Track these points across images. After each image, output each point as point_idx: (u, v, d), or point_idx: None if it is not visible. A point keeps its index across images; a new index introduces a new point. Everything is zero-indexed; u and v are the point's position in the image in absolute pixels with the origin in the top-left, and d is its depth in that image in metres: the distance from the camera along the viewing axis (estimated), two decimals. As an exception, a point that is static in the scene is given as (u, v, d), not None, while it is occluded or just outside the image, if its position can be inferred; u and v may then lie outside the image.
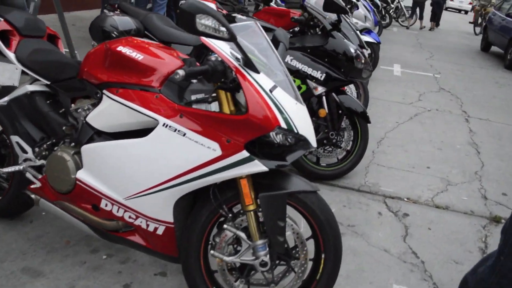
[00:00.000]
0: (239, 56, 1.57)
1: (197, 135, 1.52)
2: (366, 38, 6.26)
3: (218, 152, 1.51)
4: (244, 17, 3.34)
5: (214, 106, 1.60)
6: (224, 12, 4.19)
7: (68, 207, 1.91)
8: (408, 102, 5.59)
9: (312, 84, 2.87)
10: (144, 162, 1.62)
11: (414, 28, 14.11)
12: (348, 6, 6.03)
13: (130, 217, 1.73)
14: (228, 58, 1.50)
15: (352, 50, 2.83)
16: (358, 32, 3.05)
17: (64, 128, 1.92)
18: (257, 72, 1.54)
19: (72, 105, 1.93)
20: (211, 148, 1.52)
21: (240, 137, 1.51)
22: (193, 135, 1.53)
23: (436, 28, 14.61)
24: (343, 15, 3.04)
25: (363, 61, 2.88)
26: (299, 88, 2.89)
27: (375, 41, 6.31)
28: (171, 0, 5.96)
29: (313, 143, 1.62)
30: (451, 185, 3.33)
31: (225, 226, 1.66)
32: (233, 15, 3.60)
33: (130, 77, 1.65)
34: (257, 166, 1.53)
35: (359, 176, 3.29)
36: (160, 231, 1.72)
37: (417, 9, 14.12)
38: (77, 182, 1.79)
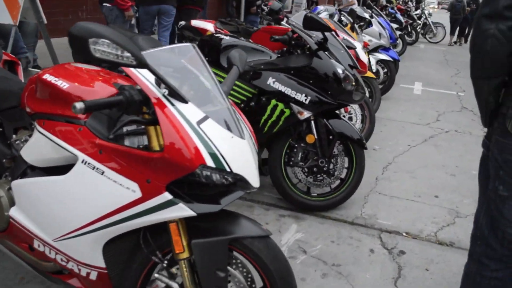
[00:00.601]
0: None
1: (116, 174, 1.34)
2: (380, 56, 6.01)
3: (138, 193, 1.32)
4: (242, 39, 3.17)
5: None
6: (225, 32, 4.07)
7: (8, 244, 1.77)
8: (424, 122, 5.25)
9: (296, 108, 2.65)
10: (68, 201, 1.45)
11: (442, 44, 13.63)
12: (361, 23, 5.82)
13: (62, 260, 1.57)
14: (148, 86, 1.32)
15: (340, 71, 2.60)
16: (348, 51, 2.82)
17: (4, 160, 1.79)
18: (185, 101, 1.35)
19: (14, 135, 1.81)
20: (130, 189, 1.33)
21: (161, 177, 1.31)
22: (112, 174, 1.34)
23: (464, 44, 14.05)
24: (332, 33, 2.82)
25: (353, 82, 2.64)
26: (282, 112, 2.68)
27: (391, 59, 6.04)
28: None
29: (254, 182, 1.41)
30: (459, 217, 2.99)
31: (156, 275, 1.46)
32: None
33: (56, 108, 1.50)
34: (183, 211, 1.33)
35: (355, 207, 3.02)
36: (93, 276, 1.54)
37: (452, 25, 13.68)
38: (11, 219, 1.64)
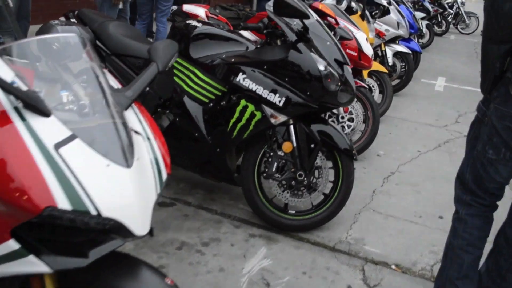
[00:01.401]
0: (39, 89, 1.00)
1: None
2: (398, 47, 5.46)
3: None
4: (219, 27, 2.72)
5: None
6: (219, 18, 3.64)
7: None
8: (441, 124, 4.70)
9: (268, 110, 2.21)
10: None
11: (475, 35, 12.73)
12: (376, 11, 5.26)
13: None
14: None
15: (321, 67, 2.14)
16: (338, 43, 2.34)
17: None
18: (45, 115, 0.96)
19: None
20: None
21: (1, 221, 0.94)
22: None
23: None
24: (320, 21, 2.36)
25: (338, 81, 2.18)
26: (252, 115, 2.25)
27: (409, 51, 5.48)
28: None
29: (138, 229, 1.00)
30: (465, 247, 2.51)
31: None
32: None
33: None
34: (34, 266, 0.95)
35: (341, 228, 2.57)
36: None
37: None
38: None
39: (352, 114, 3.48)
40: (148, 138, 1.19)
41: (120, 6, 4.22)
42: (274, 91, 2.18)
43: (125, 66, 2.83)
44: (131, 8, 5.55)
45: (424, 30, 9.29)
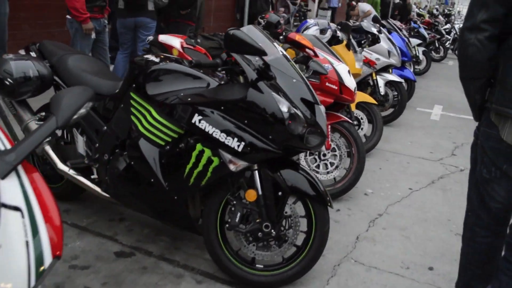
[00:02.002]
0: None
1: None
2: (389, 76, 5.26)
3: None
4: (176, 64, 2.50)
5: None
6: (196, 49, 3.46)
7: None
8: (436, 157, 4.44)
9: (226, 156, 1.97)
10: None
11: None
12: (365, 40, 5.09)
13: None
14: None
15: (284, 108, 1.90)
16: (307, 80, 2.12)
17: None
18: None
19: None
20: None
21: None
22: None
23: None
24: (286, 56, 2.14)
25: (304, 123, 1.94)
26: (209, 161, 2.01)
27: (401, 80, 5.28)
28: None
29: None
30: (457, 305, 2.22)
31: None
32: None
33: None
34: None
35: (317, 283, 2.29)
36: None
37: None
38: None
39: (336, 151, 3.23)
40: (30, 215, 0.95)
41: (93, 36, 4.05)
42: (232, 135, 1.94)
43: (83, 104, 2.62)
44: (115, 37, 5.42)
45: (421, 56, 9.14)
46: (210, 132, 1.98)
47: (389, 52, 5.22)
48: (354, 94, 3.16)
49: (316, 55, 3.05)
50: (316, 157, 3.21)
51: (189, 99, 2.06)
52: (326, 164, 3.23)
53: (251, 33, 2.13)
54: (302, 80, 2.09)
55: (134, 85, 2.30)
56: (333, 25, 4.54)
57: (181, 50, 3.37)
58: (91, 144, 2.57)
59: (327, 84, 3.00)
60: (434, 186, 3.71)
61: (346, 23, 4.04)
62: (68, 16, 3.99)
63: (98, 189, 2.49)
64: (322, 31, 4.01)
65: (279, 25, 5.33)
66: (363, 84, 5.38)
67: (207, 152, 2.00)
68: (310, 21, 4.27)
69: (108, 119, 2.49)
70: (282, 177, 2.10)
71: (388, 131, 5.15)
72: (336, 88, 3.04)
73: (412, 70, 8.36)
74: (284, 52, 2.15)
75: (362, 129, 4.22)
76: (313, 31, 4.04)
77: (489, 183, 1.73)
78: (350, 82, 3.14)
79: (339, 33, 4.16)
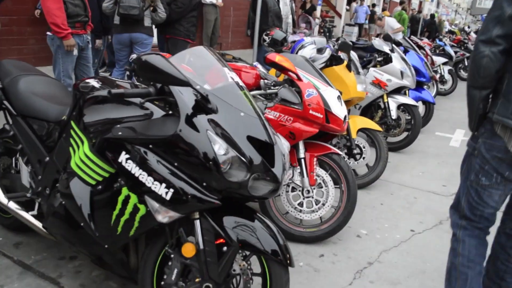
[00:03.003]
0: None
1: None
2: (402, 99, 4.84)
3: None
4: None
5: None
6: (183, 67, 3.17)
7: None
8: (449, 192, 3.95)
9: (153, 204, 1.63)
10: None
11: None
12: (378, 59, 4.70)
13: None
14: None
15: (220, 151, 1.55)
16: (262, 115, 1.76)
17: None
18: None
19: None
20: None
21: None
22: None
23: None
24: (239, 83, 1.80)
25: (246, 169, 1.58)
26: (135, 209, 1.68)
27: (414, 103, 4.84)
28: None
29: None
30: None
31: None
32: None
33: None
34: None
35: None
36: None
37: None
38: None
39: (322, 187, 2.84)
40: None
41: (74, 53, 3.83)
42: (160, 180, 1.61)
43: (30, 130, 2.37)
44: (113, 52, 5.23)
45: (447, 76, 8.60)
46: (136, 175, 1.65)
47: (402, 72, 4.79)
48: (343, 124, 2.77)
49: (299, 79, 2.70)
50: (300, 193, 2.83)
51: (120, 133, 1.75)
52: (311, 202, 2.84)
53: (198, 55, 1.82)
54: (256, 114, 1.73)
55: (74, 113, 2.03)
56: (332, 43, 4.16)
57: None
58: (35, 175, 2.30)
59: (310, 112, 2.63)
60: (440, 228, 3.24)
61: (345, 42, 3.66)
62: (48, 33, 3.80)
63: (39, 224, 2.22)
64: (319, 51, 3.64)
65: (285, 42, 5.01)
66: (373, 107, 4.97)
67: (133, 198, 1.67)
68: (307, 39, 3.91)
69: (52, 148, 2.22)
70: (229, 227, 1.74)
71: (399, 159, 4.70)
72: (322, 116, 2.66)
73: (435, 90, 7.86)
74: (237, 79, 1.81)
75: (364, 158, 3.81)
76: (309, 50, 3.68)
77: (487, 189, 1.86)
78: (339, 110, 2.75)
79: (341, 53, 3.78)
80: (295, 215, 2.85)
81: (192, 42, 5.32)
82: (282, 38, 5.01)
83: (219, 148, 1.55)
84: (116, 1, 4.45)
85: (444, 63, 8.48)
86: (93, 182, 1.84)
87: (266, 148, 1.69)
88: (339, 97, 2.83)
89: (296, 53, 3.78)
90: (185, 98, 1.61)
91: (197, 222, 1.73)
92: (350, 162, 3.81)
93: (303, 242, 2.81)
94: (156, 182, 1.61)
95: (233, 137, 1.60)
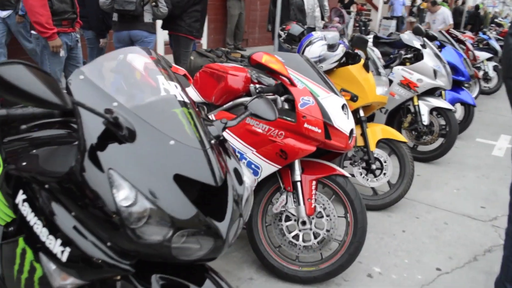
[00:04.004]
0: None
1: None
2: (435, 102, 4.22)
3: None
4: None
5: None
6: (174, 70, 2.75)
7: None
8: (488, 216, 3.31)
9: (48, 266, 1.19)
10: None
11: None
12: (405, 55, 4.10)
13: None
14: None
15: (127, 200, 1.07)
16: (208, 142, 1.28)
17: None
18: None
19: None
20: None
21: None
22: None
23: None
24: (182, 95, 1.32)
25: (167, 225, 1.10)
26: (33, 268, 1.24)
27: (449, 107, 4.21)
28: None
29: None
30: None
31: None
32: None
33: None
34: None
35: None
36: None
37: None
38: None
39: (323, 217, 2.32)
40: None
41: (61, 54, 3.48)
42: (55, 233, 1.16)
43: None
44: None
45: (491, 73, 7.75)
46: (31, 224, 1.21)
47: (435, 71, 4.14)
48: (348, 139, 2.23)
49: (292, 84, 2.18)
50: (295, 223, 2.32)
51: (24, 163, 1.31)
52: (308, 234, 2.33)
53: (131, 57, 1.37)
54: (196, 141, 1.24)
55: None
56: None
57: (143, 73, 2.65)
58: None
59: (305, 125, 2.12)
60: (475, 266, 2.64)
61: (359, 37, 3.08)
62: (33, 32, 3.47)
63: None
64: (330, 47, 3.10)
65: (302, 37, 4.50)
66: (402, 111, 4.35)
67: (29, 254, 1.24)
68: (316, 34, 3.36)
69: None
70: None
71: (430, 172, 4.07)
72: (320, 131, 2.13)
73: (478, 89, 7.05)
74: (176, 91, 1.34)
75: (384, 174, 3.24)
76: (318, 47, 3.13)
77: None
78: (344, 123, 2.22)
79: (357, 50, 3.22)
80: (289, 250, 2.35)
81: (196, 39, 4.90)
82: (299, 33, 4.51)
83: (126, 195, 1.08)
84: (113, -3, 4.09)
85: (489, 59, 7.64)
86: (3, 223, 1.42)
87: (215, 189, 1.21)
88: (344, 106, 2.29)
89: (303, 50, 3.25)
90: (89, 121, 1.15)
91: (118, 285, 1.27)
92: (368, 179, 3.26)
93: (299, 283, 2.31)
94: (50, 236, 1.17)
95: (153, 177, 1.12)
